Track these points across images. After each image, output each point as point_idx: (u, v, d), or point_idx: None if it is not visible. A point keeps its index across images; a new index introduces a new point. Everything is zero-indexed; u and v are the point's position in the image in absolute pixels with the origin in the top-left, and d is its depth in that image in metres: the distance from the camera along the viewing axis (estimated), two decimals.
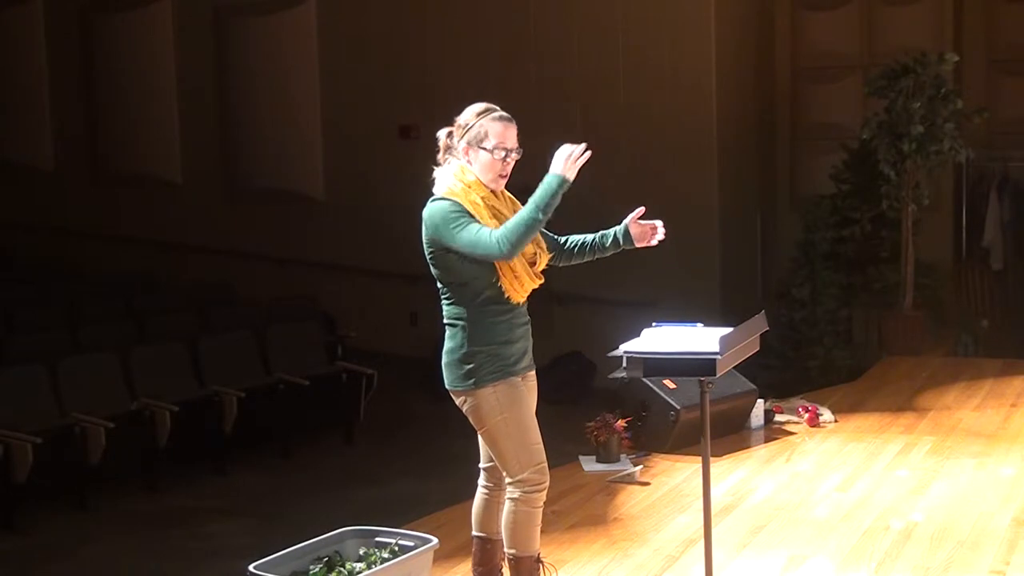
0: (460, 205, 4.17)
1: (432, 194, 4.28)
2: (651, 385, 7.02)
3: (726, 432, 7.28)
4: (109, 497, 8.41)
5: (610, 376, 6.90)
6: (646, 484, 6.49)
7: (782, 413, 7.85)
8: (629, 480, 6.53)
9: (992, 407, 8.20)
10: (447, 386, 4.31)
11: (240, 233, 13.57)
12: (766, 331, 4.62)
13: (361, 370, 10.11)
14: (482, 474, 4.53)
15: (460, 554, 5.18)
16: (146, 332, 10.23)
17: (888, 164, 10.17)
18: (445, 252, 4.20)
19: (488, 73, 11.64)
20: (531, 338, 4.40)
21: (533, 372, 4.41)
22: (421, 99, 11.96)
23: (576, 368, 11.34)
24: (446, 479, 7.74)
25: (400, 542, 4.59)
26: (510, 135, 4.28)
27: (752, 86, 12.17)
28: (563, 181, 4.07)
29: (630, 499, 6.27)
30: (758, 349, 4.59)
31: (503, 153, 4.26)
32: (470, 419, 4.32)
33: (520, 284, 4.24)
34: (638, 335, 4.39)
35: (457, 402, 4.31)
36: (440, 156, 4.36)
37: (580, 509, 6.11)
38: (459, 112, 4.35)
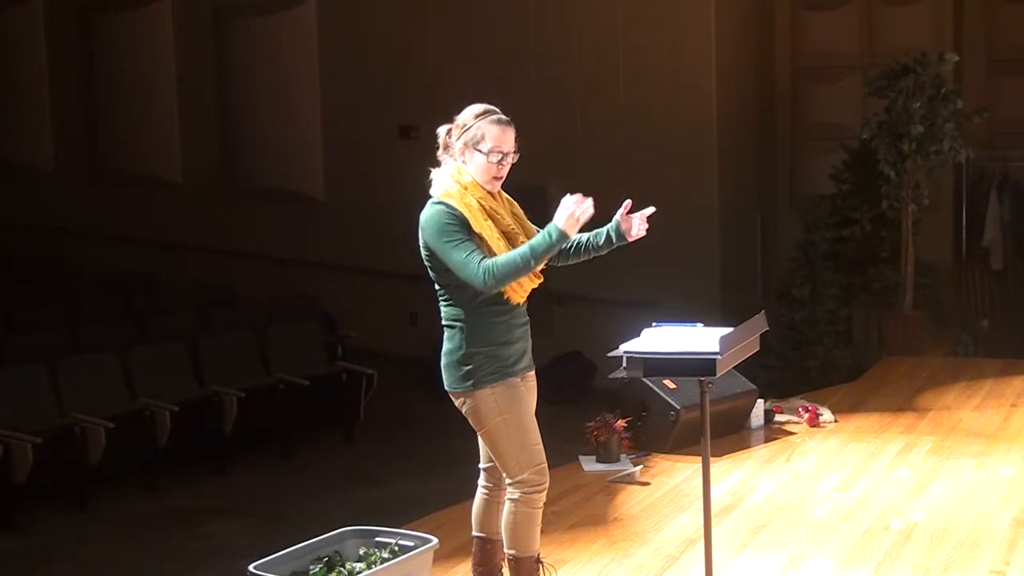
0: (456, 212, 4.16)
1: (429, 195, 4.28)
2: (651, 385, 7.02)
3: (726, 432, 7.28)
4: (109, 497, 8.41)
5: (610, 376, 6.89)
6: (646, 484, 6.49)
7: (782, 413, 7.85)
8: (629, 480, 6.53)
9: (992, 407, 8.20)
10: (446, 387, 4.31)
11: (240, 233, 13.58)
12: (766, 331, 4.62)
13: (361, 370, 10.12)
14: (482, 474, 4.53)
15: (460, 554, 5.18)
16: (146, 332, 10.23)
17: (888, 164, 10.17)
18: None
19: (488, 73, 11.64)
20: (530, 339, 4.39)
21: (533, 372, 4.41)
22: (421, 99, 11.96)
23: (576, 368, 11.34)
24: (446, 479, 7.74)
25: (400, 542, 4.59)
26: (507, 139, 4.27)
27: (752, 86, 12.18)
28: (563, 236, 4.05)
29: (630, 499, 6.27)
30: (758, 349, 4.59)
31: (498, 156, 4.26)
32: (469, 420, 4.32)
33: (519, 284, 4.23)
34: (638, 335, 4.39)
35: (456, 403, 4.31)
36: (439, 153, 4.36)
37: (580, 509, 6.11)
38: (459, 111, 4.35)
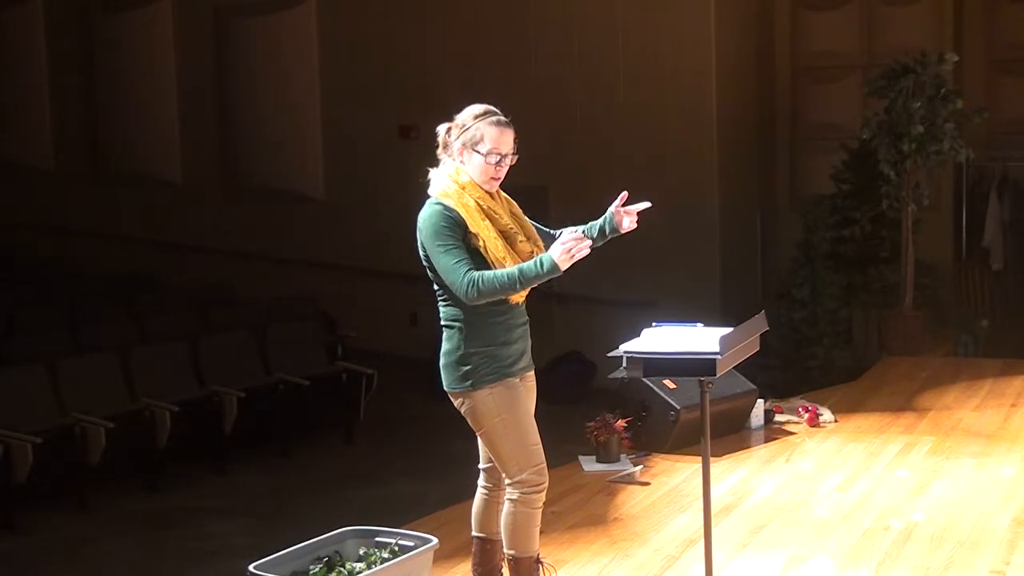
0: (453, 213, 4.16)
1: (427, 195, 4.27)
2: (651, 385, 7.02)
3: (726, 432, 7.28)
4: (109, 497, 8.41)
5: (610, 376, 6.89)
6: (646, 484, 6.49)
7: (782, 413, 7.85)
8: (629, 480, 6.53)
9: (992, 407, 8.20)
10: (445, 387, 4.31)
11: (240, 233, 13.58)
12: (766, 331, 4.62)
13: (361, 370, 10.12)
14: (481, 474, 4.53)
15: (460, 554, 5.18)
16: (146, 332, 10.23)
17: (888, 164, 10.17)
18: None
19: (488, 73, 11.64)
20: (530, 339, 4.39)
21: (532, 372, 4.41)
22: (421, 99, 11.96)
23: (576, 368, 11.34)
24: (446, 479, 7.74)
25: (400, 542, 4.58)
26: (505, 140, 4.27)
27: (752, 86, 12.17)
28: (555, 269, 4.04)
29: (630, 499, 6.27)
30: (758, 349, 4.59)
31: (497, 158, 4.25)
32: (468, 420, 4.31)
33: None
34: (638, 335, 4.38)
35: (455, 403, 4.31)
36: (438, 152, 4.36)
37: (580, 509, 6.11)
38: (459, 111, 4.35)
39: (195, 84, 14.03)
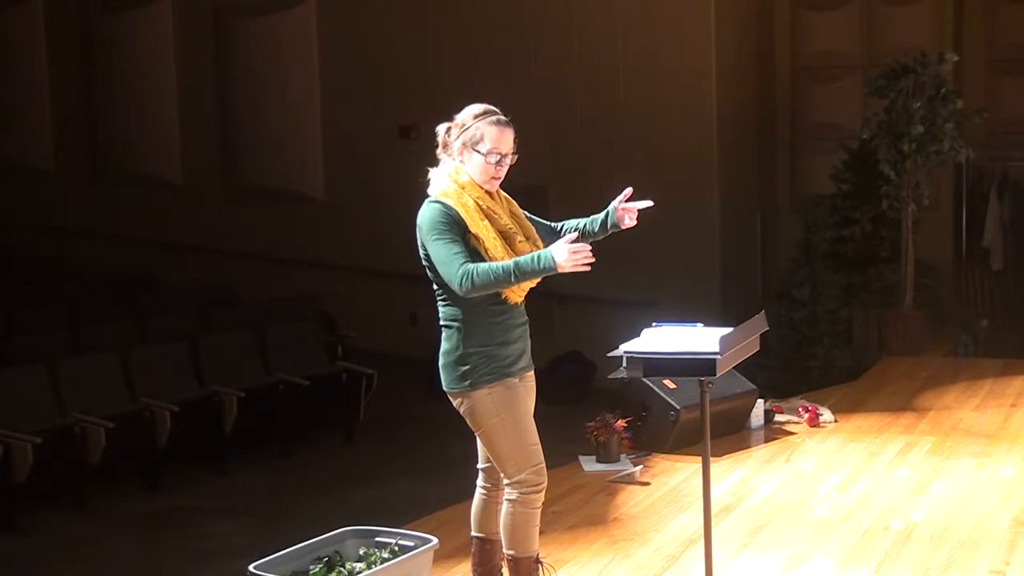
0: (451, 211, 4.16)
1: (427, 194, 4.27)
2: (651, 385, 7.02)
3: (726, 432, 7.28)
4: (109, 497, 8.41)
5: (610, 376, 6.92)
6: (646, 484, 6.49)
7: (782, 413, 7.85)
8: (629, 480, 6.53)
9: (992, 407, 8.20)
10: (444, 387, 4.31)
11: (240, 233, 13.58)
12: (766, 331, 4.62)
13: (361, 370, 10.11)
14: (480, 474, 4.53)
15: (460, 554, 5.18)
16: (146, 332, 10.23)
17: (888, 164, 10.17)
18: None
19: (488, 73, 11.64)
20: (529, 339, 4.39)
21: (532, 373, 4.41)
22: (421, 99, 11.96)
23: (576, 368, 11.34)
24: (446, 479, 7.74)
25: (400, 542, 4.58)
26: (505, 140, 4.27)
27: (752, 86, 12.17)
28: (552, 268, 4.01)
29: (630, 499, 6.27)
30: (758, 349, 4.59)
31: (497, 157, 4.25)
32: (467, 420, 4.31)
33: (517, 284, 4.23)
34: (638, 335, 4.38)
35: (454, 403, 4.31)
36: (438, 151, 4.36)
37: (580, 509, 6.11)
38: (459, 111, 4.35)
39: (195, 84, 14.03)
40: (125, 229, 14.24)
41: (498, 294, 4.20)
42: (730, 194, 11.63)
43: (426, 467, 8.98)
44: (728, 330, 4.29)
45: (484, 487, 4.52)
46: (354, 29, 12.99)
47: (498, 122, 4.28)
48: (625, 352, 4.25)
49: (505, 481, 4.30)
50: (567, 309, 11.59)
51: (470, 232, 4.17)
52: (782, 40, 12.46)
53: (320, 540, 4.61)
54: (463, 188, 4.23)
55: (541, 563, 4.44)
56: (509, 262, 4.09)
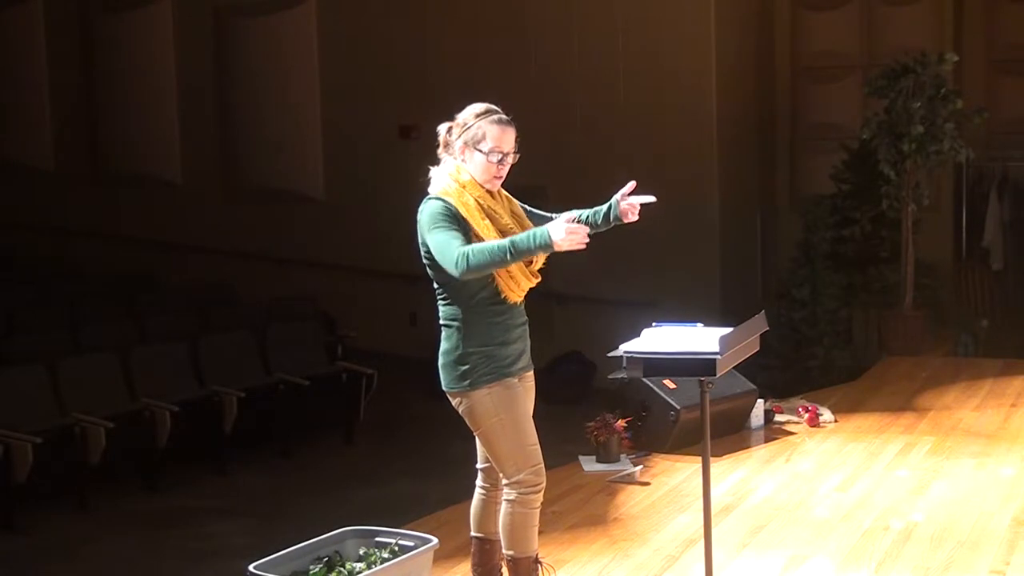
0: (451, 208, 4.16)
1: (427, 193, 4.27)
2: (651, 385, 7.02)
3: (726, 432, 7.28)
4: (109, 497, 8.41)
5: (610, 376, 6.92)
6: (646, 484, 6.49)
7: (782, 413, 7.85)
8: (629, 480, 6.53)
9: (992, 407, 8.20)
10: (443, 387, 4.30)
11: (240, 233, 13.58)
12: (766, 331, 4.62)
13: (361, 370, 10.11)
14: (479, 474, 4.53)
15: (460, 554, 5.18)
16: (146, 332, 10.23)
17: (888, 164, 10.17)
18: None
19: (488, 73, 11.64)
20: (529, 339, 4.38)
21: (531, 373, 4.40)
22: (421, 99, 11.96)
23: (576, 368, 11.34)
24: (446, 479, 7.74)
25: (400, 542, 4.58)
26: (507, 139, 4.26)
27: (752, 86, 12.18)
28: (548, 247, 3.99)
29: (630, 499, 6.27)
30: (758, 349, 4.59)
31: (498, 156, 4.25)
32: (466, 420, 4.31)
33: (516, 284, 4.23)
34: (638, 335, 4.38)
35: (453, 403, 4.31)
36: (439, 150, 4.36)
37: (580, 509, 6.11)
38: (459, 111, 4.35)
39: (195, 84, 14.03)
40: (125, 229, 14.25)
41: (498, 294, 4.20)
42: (730, 194, 11.63)
43: (426, 467, 8.98)
44: (728, 330, 4.29)
45: (483, 487, 4.52)
46: (354, 29, 12.99)
47: (500, 121, 4.27)
48: (625, 352, 4.25)
49: (504, 481, 4.30)
50: (567, 309, 11.59)
51: (471, 231, 4.16)
52: (782, 40, 12.46)
53: (320, 540, 4.61)
54: (464, 187, 4.23)
55: (540, 563, 4.44)
56: (505, 240, 4.05)
